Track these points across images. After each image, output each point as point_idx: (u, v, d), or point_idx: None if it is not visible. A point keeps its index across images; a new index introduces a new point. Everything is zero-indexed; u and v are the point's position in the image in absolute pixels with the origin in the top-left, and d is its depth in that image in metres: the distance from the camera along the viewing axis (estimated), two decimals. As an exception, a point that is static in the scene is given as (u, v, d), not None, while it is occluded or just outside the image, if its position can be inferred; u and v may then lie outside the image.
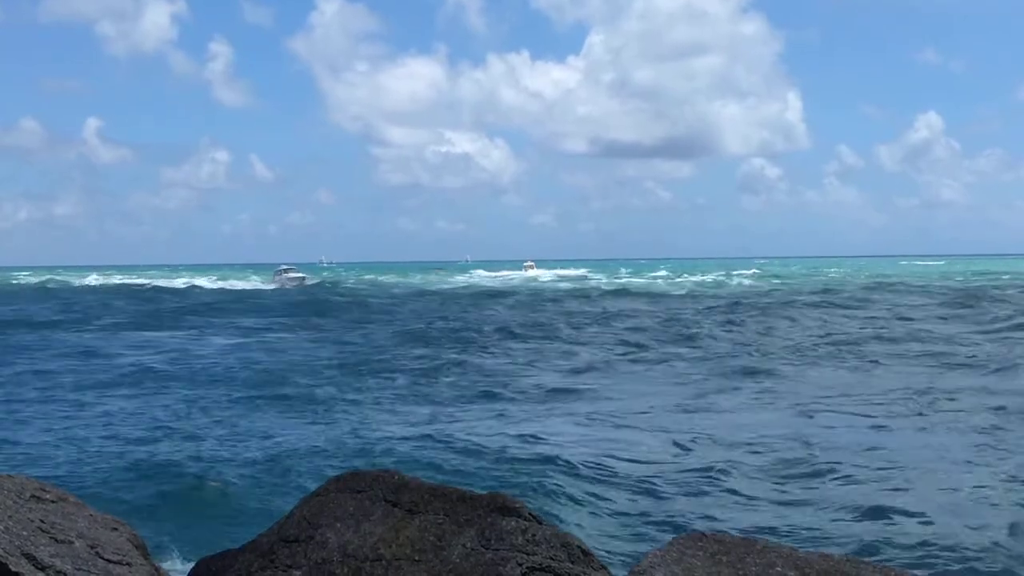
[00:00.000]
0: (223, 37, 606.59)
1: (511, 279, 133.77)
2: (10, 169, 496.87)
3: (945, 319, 49.38)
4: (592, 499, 15.17)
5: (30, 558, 4.57)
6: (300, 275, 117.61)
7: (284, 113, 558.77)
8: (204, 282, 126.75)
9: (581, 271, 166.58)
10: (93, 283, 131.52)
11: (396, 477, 6.08)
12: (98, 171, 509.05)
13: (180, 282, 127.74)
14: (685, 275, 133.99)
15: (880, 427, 20.54)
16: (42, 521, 5.07)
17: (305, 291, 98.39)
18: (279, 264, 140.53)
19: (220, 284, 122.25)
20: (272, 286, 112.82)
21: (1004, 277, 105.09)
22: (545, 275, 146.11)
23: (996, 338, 38.76)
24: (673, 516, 14.17)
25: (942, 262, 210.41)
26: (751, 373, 29.83)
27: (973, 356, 32.82)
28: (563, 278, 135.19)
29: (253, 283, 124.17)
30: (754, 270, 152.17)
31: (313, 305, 70.29)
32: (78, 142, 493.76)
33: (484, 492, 6.04)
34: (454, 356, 35.29)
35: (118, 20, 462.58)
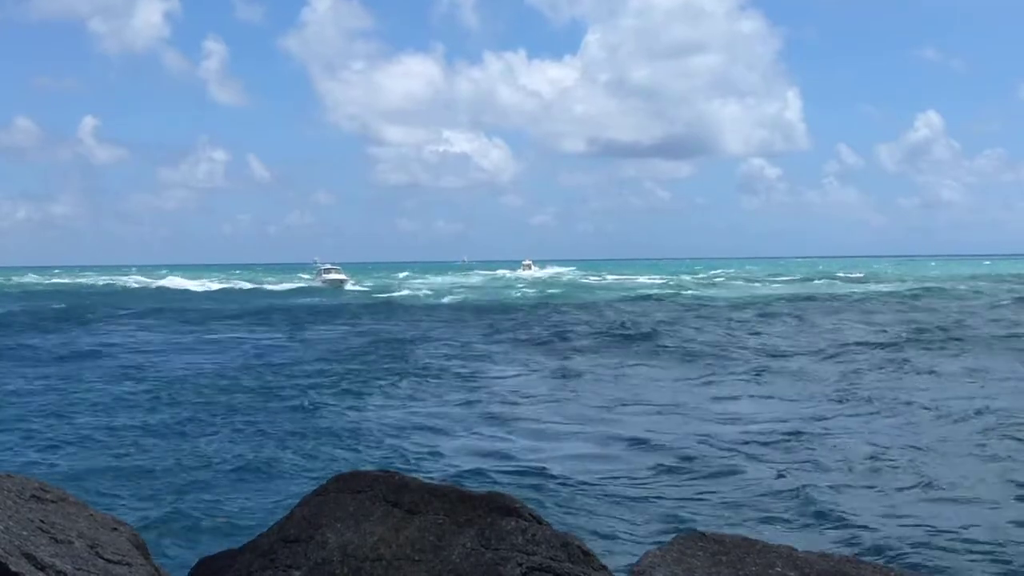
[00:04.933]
0: (216, 35, 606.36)
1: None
2: (5, 169, 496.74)
3: None
4: (592, 499, 15.16)
5: (30, 558, 4.57)
6: (341, 276, 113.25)
7: (280, 112, 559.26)
8: (245, 284, 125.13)
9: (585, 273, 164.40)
10: (134, 284, 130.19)
11: (396, 477, 6.08)
12: (94, 170, 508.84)
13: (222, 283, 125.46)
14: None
15: None
16: (42, 521, 5.07)
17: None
18: (276, 264, 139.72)
19: (265, 286, 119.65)
20: (286, 285, 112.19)
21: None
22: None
23: None
24: (674, 516, 14.18)
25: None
26: None
27: None
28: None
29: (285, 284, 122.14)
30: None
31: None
32: (73, 141, 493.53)
33: (484, 492, 6.03)
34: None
35: (110, 18, 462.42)
